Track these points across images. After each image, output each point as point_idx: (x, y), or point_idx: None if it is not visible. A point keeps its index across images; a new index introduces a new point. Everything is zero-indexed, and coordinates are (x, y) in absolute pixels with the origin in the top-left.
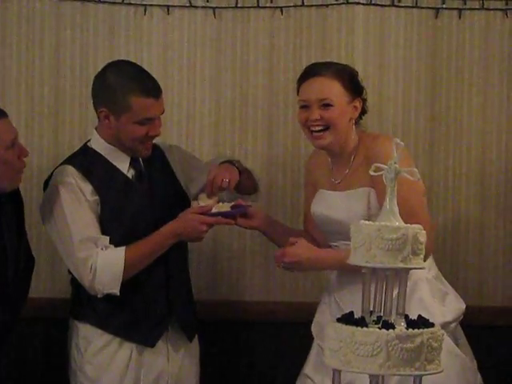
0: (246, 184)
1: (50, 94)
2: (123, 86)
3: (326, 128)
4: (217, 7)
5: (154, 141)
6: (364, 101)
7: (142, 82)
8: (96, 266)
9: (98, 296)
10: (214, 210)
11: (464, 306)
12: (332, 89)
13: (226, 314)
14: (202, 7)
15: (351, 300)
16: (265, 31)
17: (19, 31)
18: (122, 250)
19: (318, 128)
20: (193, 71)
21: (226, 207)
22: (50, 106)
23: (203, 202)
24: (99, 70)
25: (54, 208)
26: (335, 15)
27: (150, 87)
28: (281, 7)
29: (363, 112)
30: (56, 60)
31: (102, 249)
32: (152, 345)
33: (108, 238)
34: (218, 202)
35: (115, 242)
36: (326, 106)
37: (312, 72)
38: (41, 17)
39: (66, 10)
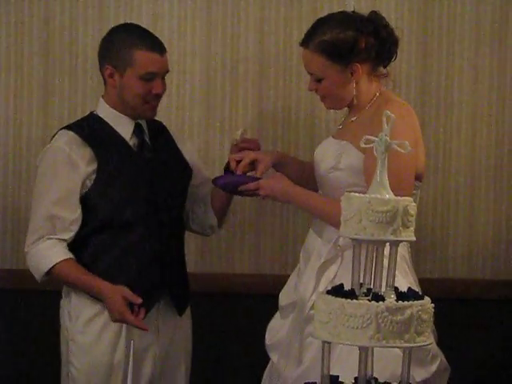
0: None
1: (40, 66)
2: (127, 40)
3: (324, 96)
4: None
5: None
6: (371, 49)
7: (146, 37)
8: (29, 250)
9: None
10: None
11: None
12: (316, 63)
13: (215, 287)
14: None
15: (305, 263)
16: (255, 3)
17: (8, 3)
18: (59, 257)
19: (319, 95)
20: (183, 43)
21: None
22: (40, 78)
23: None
24: (89, 41)
25: (38, 173)
26: None
27: (153, 42)
28: None
29: (380, 60)
30: (45, 32)
31: (56, 239)
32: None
33: (70, 220)
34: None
35: (108, 214)
36: (317, 79)
37: (302, 41)
38: None
39: None
